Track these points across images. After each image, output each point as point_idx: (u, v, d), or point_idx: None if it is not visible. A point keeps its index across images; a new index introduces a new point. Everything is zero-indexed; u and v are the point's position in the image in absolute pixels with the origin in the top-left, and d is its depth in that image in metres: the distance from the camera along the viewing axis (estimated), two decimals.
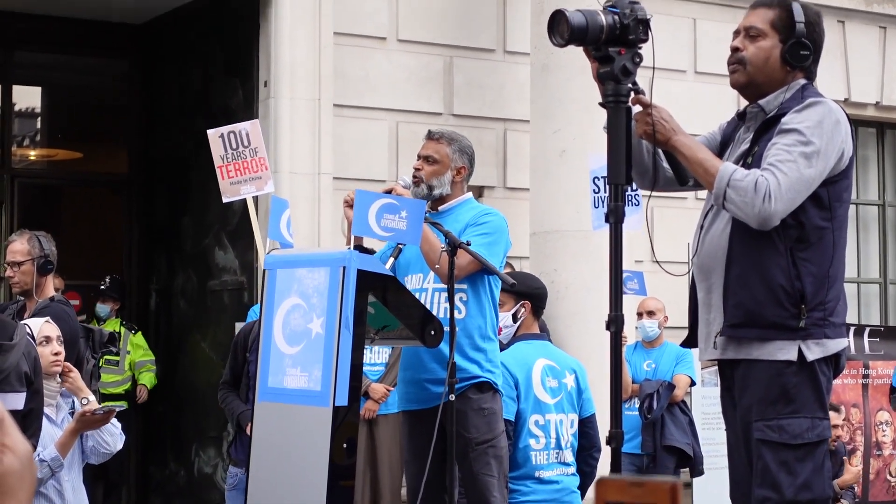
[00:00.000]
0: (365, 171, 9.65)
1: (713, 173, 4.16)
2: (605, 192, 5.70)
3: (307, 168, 9.52)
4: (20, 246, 7.07)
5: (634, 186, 5.54)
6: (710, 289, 4.29)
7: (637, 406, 8.84)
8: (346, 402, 4.73)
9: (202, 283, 10.71)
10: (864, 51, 12.12)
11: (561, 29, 4.06)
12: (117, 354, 10.72)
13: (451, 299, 5.23)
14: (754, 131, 4.32)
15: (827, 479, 4.27)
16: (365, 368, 7.84)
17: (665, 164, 4.40)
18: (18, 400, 5.01)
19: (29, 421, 5.15)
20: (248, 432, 6.53)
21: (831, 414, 4.76)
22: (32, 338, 5.50)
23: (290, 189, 9.15)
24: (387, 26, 10.05)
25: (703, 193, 4.39)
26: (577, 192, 8.77)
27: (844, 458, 8.47)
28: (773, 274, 4.14)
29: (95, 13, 11.21)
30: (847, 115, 4.31)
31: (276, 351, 5.02)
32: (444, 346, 5.22)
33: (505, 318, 6.17)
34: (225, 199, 7.88)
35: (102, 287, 11.05)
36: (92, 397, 5.81)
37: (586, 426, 6.27)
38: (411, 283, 5.66)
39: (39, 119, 12.92)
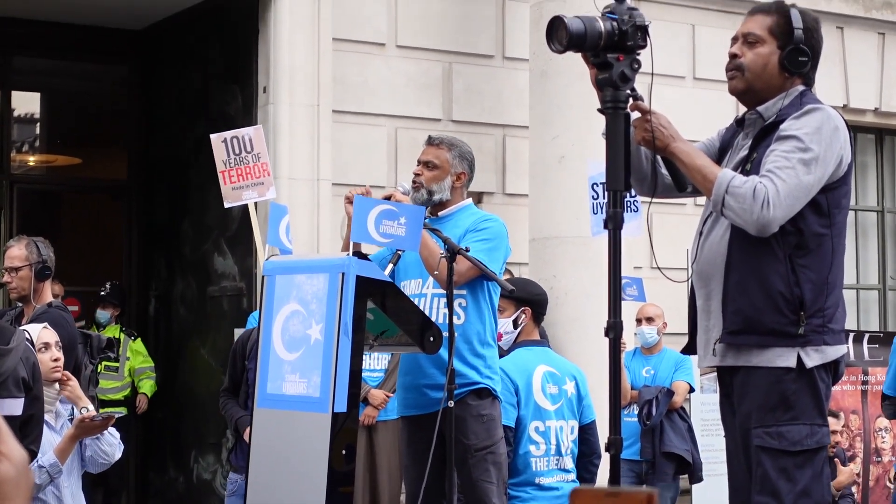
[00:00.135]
0: (364, 177, 9.65)
1: (712, 180, 4.16)
2: (604, 198, 5.70)
3: (306, 174, 9.52)
4: (18, 251, 7.06)
5: (633, 193, 5.54)
6: (709, 295, 4.29)
7: (636, 412, 8.84)
8: (345, 409, 4.73)
9: (201, 289, 10.71)
10: (863, 57, 12.12)
11: (559, 35, 4.06)
12: (116, 360, 10.72)
13: (449, 305, 5.23)
14: (753, 138, 4.32)
15: (826, 485, 4.26)
16: (364, 374, 7.84)
17: (664, 171, 4.40)
18: (16, 406, 5.00)
19: (29, 427, 5.14)
20: (246, 438, 6.54)
21: (830, 420, 4.76)
22: (32, 343, 5.49)
23: (289, 195, 9.15)
24: (386, 32, 10.06)
25: (702, 199, 4.39)
26: (576, 198, 8.77)
27: (836, 460, 8.46)
28: (772, 281, 4.14)
29: (94, 18, 11.22)
30: (846, 121, 4.31)
31: (275, 357, 5.02)
32: (443, 352, 5.22)
33: (505, 324, 6.17)
34: (227, 204, 7.88)
35: (103, 293, 11.06)
36: (91, 406, 5.80)
37: (586, 433, 6.27)
38: (410, 287, 5.66)
39: (38, 124, 12.93)
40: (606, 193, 4.09)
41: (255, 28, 9.80)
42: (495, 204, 10.16)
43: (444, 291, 5.32)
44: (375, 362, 8.51)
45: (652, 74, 4.19)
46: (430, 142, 5.81)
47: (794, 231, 4.16)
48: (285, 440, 4.95)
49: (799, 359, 4.15)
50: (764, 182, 4.08)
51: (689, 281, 4.49)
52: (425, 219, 5.45)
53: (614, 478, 4.08)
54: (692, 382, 9.05)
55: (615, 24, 4.06)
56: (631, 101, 4.13)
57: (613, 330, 3.99)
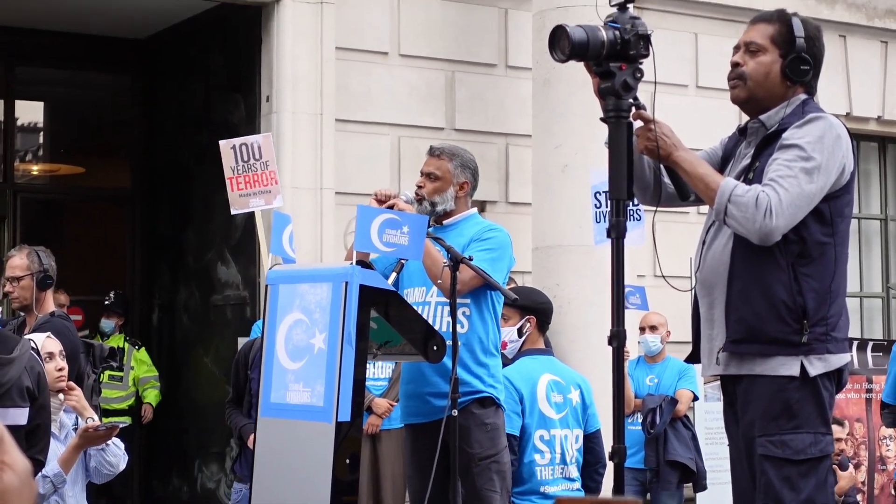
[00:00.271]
0: (367, 185, 9.63)
1: (714, 189, 4.16)
2: (607, 206, 5.70)
3: (309, 183, 9.52)
4: (19, 261, 7.07)
5: (636, 201, 5.54)
6: (713, 304, 4.29)
7: (640, 421, 8.83)
8: (348, 418, 4.73)
9: (205, 298, 10.72)
10: (866, 65, 12.13)
11: (562, 44, 4.07)
12: (121, 370, 10.73)
13: (453, 314, 5.23)
14: (755, 147, 4.32)
15: (830, 494, 4.26)
16: (368, 383, 7.84)
17: (666, 180, 4.40)
18: (20, 415, 5.00)
19: (36, 437, 5.13)
20: (250, 445, 6.54)
21: (835, 427, 4.77)
22: (38, 353, 5.49)
23: (293, 204, 9.16)
24: (388, 41, 10.07)
25: (705, 208, 4.39)
26: (579, 207, 8.77)
27: (834, 466, 8.45)
28: (775, 289, 4.14)
29: (98, 28, 11.24)
30: (848, 129, 4.31)
31: (278, 366, 5.01)
32: (446, 361, 5.22)
33: (510, 332, 6.17)
34: (233, 211, 7.88)
35: (107, 302, 11.06)
36: (95, 417, 5.80)
37: (591, 441, 6.26)
38: (413, 295, 5.66)
39: (42, 134, 12.95)
40: (609, 202, 4.09)
41: (257, 37, 9.81)
42: (498, 213, 10.16)
43: (448, 300, 5.32)
44: (379, 371, 8.51)
45: (655, 83, 4.20)
46: (432, 152, 5.81)
47: (796, 240, 4.16)
48: (289, 449, 4.94)
49: (802, 367, 4.15)
50: (766, 191, 4.08)
51: (693, 290, 4.49)
52: (429, 227, 5.46)
53: (618, 486, 4.08)
54: (696, 391, 9.04)
55: (617, 33, 4.07)
56: (633, 110, 4.14)
57: (616, 339, 3.99)
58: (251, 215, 8.05)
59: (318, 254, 9.43)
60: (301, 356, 4.91)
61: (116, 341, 10.81)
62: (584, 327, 8.86)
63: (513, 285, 7.21)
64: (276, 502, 4.97)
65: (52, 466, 5.43)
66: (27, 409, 5.05)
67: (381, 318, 5.00)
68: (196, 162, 10.80)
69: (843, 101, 11.93)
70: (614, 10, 4.13)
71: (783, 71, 4.28)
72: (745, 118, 4.45)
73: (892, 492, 9.25)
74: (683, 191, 4.38)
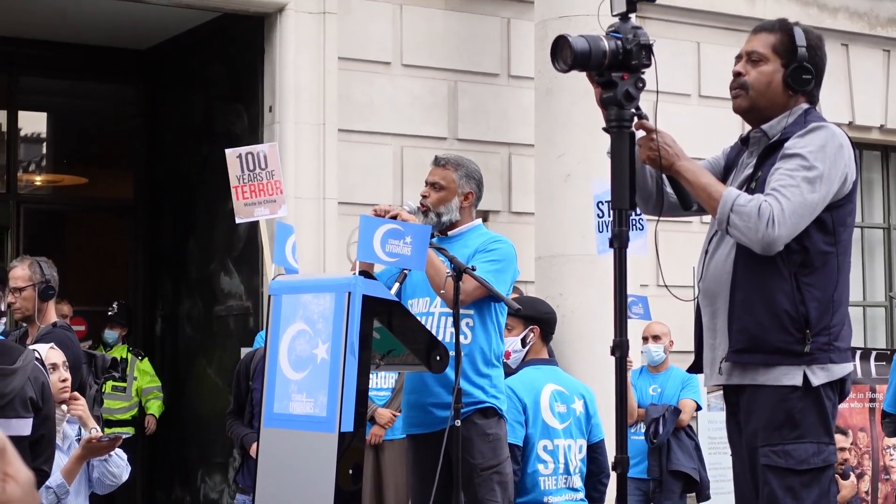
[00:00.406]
0: (370, 195, 9.65)
1: (717, 198, 4.15)
2: (610, 216, 5.70)
3: (312, 193, 9.53)
4: (21, 272, 7.08)
5: (638, 211, 5.54)
6: (715, 314, 4.28)
7: (643, 431, 8.83)
8: (351, 428, 4.73)
9: (208, 308, 10.72)
10: (869, 74, 12.13)
11: (564, 54, 4.07)
12: (124, 380, 10.73)
13: (456, 324, 5.23)
14: (757, 156, 4.32)
15: None
16: (371, 393, 7.84)
17: (669, 189, 4.40)
18: (23, 426, 4.99)
19: (40, 448, 5.13)
20: (252, 453, 6.53)
21: (839, 437, 4.77)
22: (42, 363, 5.49)
23: (296, 214, 9.16)
24: (391, 51, 10.08)
25: (707, 217, 4.39)
26: (581, 217, 8.77)
27: (837, 475, 8.44)
28: (778, 299, 4.13)
29: (100, 39, 11.26)
30: (850, 138, 4.31)
31: (281, 377, 5.01)
32: (449, 371, 5.22)
33: (514, 342, 6.17)
34: (238, 220, 7.89)
35: (110, 313, 11.07)
36: (97, 428, 5.81)
37: (595, 452, 6.26)
38: (417, 306, 5.66)
39: (45, 144, 12.97)
40: (611, 212, 4.09)
41: (260, 47, 9.83)
42: (501, 222, 10.16)
43: (452, 310, 5.32)
44: (382, 381, 8.52)
45: (657, 92, 4.20)
46: (437, 162, 5.82)
47: (799, 249, 4.15)
48: (292, 460, 4.94)
49: (805, 377, 4.14)
50: (769, 200, 4.08)
51: (695, 299, 4.49)
52: (434, 238, 5.46)
53: (621, 497, 4.07)
54: (699, 400, 9.04)
55: (619, 42, 4.07)
56: (636, 119, 4.14)
57: (619, 349, 3.99)
58: (253, 225, 8.05)
59: (321, 264, 9.43)
60: (304, 366, 4.91)
61: (119, 352, 10.81)
62: (588, 337, 8.86)
63: (516, 295, 7.21)
64: None
65: (55, 477, 5.42)
66: (31, 419, 5.05)
67: (383, 328, 5.00)
68: (198, 172, 10.81)
69: (846, 109, 11.94)
70: (616, 19, 4.13)
71: (785, 80, 4.28)
72: (748, 127, 4.45)
73: None
74: (686, 200, 4.38)
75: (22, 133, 12.22)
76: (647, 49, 4.10)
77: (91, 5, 9.89)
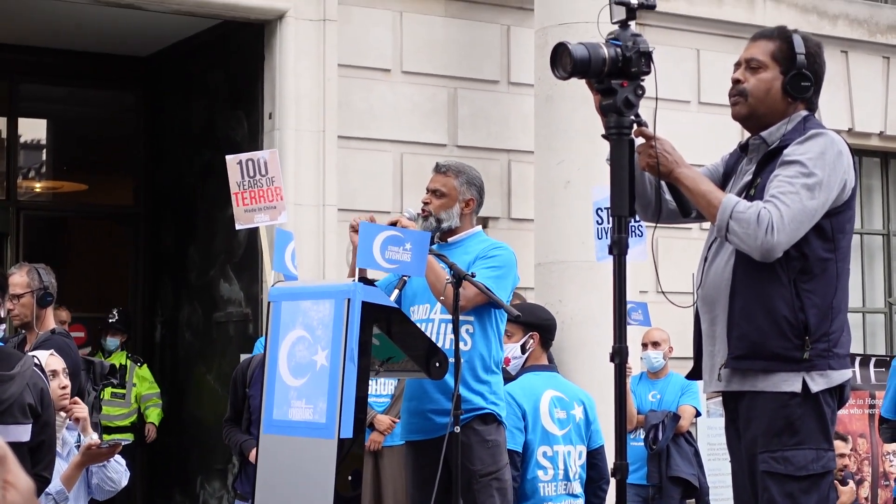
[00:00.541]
0: (370, 202, 9.66)
1: (716, 205, 4.16)
2: (609, 223, 5.70)
3: (312, 199, 9.54)
4: (19, 278, 7.08)
5: (637, 218, 5.55)
6: (714, 320, 4.29)
7: (642, 437, 8.83)
8: (351, 434, 4.73)
9: (207, 315, 10.72)
10: (868, 81, 12.14)
11: (564, 62, 4.08)
12: (123, 387, 10.73)
13: (455, 331, 5.23)
14: (756, 163, 4.32)
15: None
16: (371, 400, 7.84)
17: (668, 196, 4.41)
18: (22, 432, 4.99)
19: (41, 454, 5.13)
20: (251, 459, 6.53)
21: (838, 443, 4.77)
22: (41, 369, 5.49)
23: (295, 220, 9.17)
24: (391, 58, 10.09)
25: (707, 224, 4.39)
26: (581, 223, 8.77)
27: (835, 481, 8.44)
28: (777, 306, 4.14)
29: (100, 46, 11.26)
30: (850, 145, 4.32)
31: (280, 383, 5.01)
32: (448, 377, 5.22)
33: (514, 349, 6.17)
34: (238, 226, 7.89)
35: (111, 320, 11.06)
36: (96, 436, 5.81)
37: (595, 458, 6.26)
38: (418, 313, 5.66)
39: (45, 151, 12.96)
40: (610, 218, 4.10)
41: (260, 54, 9.84)
42: (501, 229, 10.17)
43: (452, 317, 5.33)
44: (381, 387, 8.52)
45: (656, 99, 4.20)
46: (438, 169, 5.83)
47: (798, 256, 4.16)
48: (291, 466, 4.94)
49: (804, 383, 4.14)
50: (768, 207, 4.09)
51: (694, 306, 4.50)
52: (434, 245, 5.46)
53: (621, 502, 4.07)
54: (698, 407, 9.04)
55: (619, 50, 4.08)
56: (635, 126, 4.15)
57: (618, 355, 3.99)
58: (253, 232, 8.05)
59: (321, 270, 9.43)
60: (303, 373, 4.91)
61: (118, 358, 10.81)
62: (587, 343, 8.86)
63: (518, 301, 7.21)
64: None
65: (54, 483, 5.42)
66: (30, 425, 5.05)
67: (383, 334, 5.01)
68: (198, 179, 10.82)
69: (845, 116, 11.95)
70: (616, 27, 4.14)
71: (784, 87, 4.28)
72: (747, 134, 4.45)
73: None
74: (685, 207, 4.38)
75: (22, 140, 12.22)
76: (647, 56, 4.10)
77: (91, 13, 9.91)
